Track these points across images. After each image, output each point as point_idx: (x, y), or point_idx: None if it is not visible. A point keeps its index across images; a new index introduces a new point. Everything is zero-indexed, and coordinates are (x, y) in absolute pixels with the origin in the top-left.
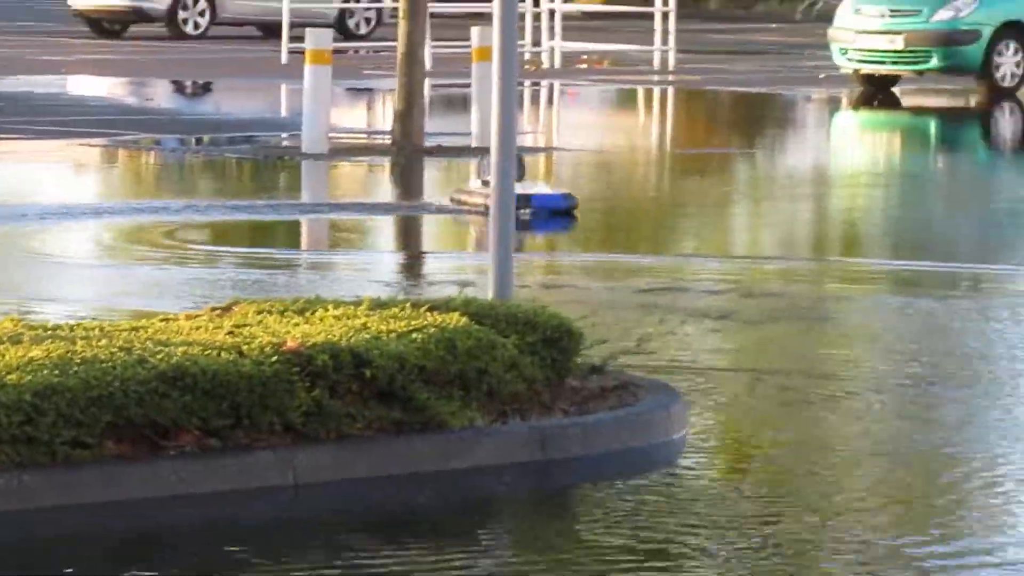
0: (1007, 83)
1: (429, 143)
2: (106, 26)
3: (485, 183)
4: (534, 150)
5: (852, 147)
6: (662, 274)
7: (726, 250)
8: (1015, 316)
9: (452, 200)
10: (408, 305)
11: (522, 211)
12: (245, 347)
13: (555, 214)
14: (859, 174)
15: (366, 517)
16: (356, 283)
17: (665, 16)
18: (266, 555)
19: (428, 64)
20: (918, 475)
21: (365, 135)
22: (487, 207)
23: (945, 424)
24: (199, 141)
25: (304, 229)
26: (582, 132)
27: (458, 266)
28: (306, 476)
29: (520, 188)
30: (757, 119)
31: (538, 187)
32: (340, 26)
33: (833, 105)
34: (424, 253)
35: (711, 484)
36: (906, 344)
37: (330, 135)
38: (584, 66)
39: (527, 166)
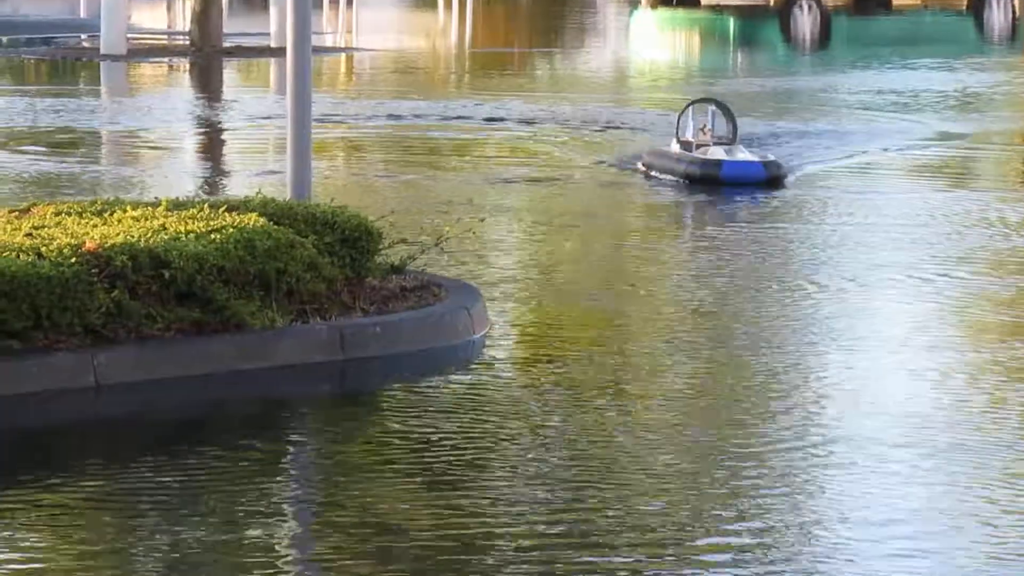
0: None
1: (227, 44)
2: None
3: (684, 145)
4: (334, 50)
5: (651, 45)
6: (463, 171)
7: (529, 150)
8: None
9: (643, 164)
10: (206, 206)
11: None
12: (44, 248)
13: (751, 185)
14: (658, 71)
15: (167, 417)
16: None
17: None
18: (69, 457)
19: None
20: (720, 372)
21: (164, 36)
22: (686, 175)
23: (745, 325)
24: None
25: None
26: (382, 33)
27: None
28: (107, 377)
29: (719, 153)
30: (556, 18)
31: (740, 152)
32: None
33: (632, 4)
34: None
35: (510, 382)
36: (715, 245)
37: (129, 36)
38: None
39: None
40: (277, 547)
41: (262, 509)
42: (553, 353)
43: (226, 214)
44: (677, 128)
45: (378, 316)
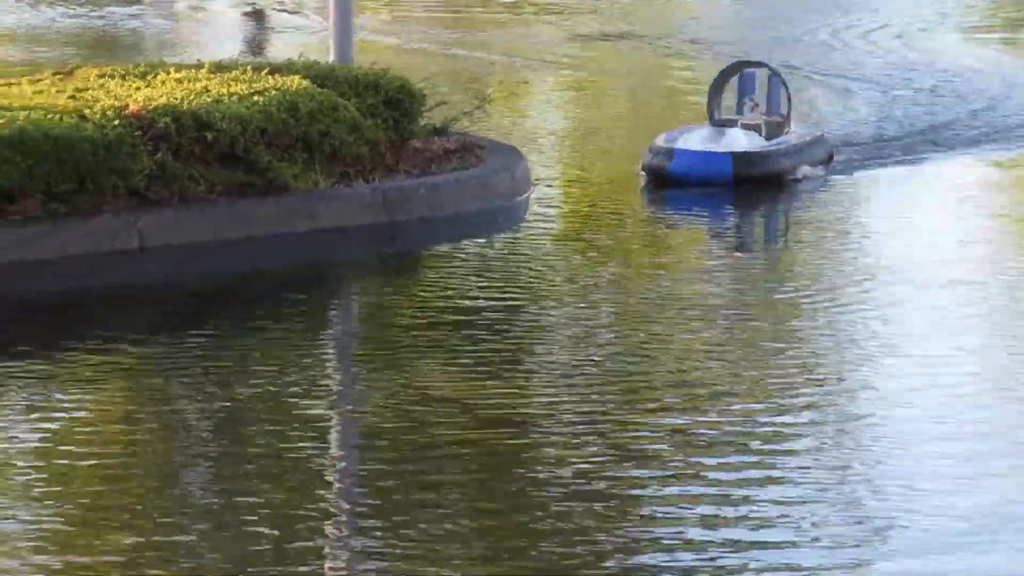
0: None
1: None
2: None
3: (722, 124)
4: None
5: None
6: (504, 35)
7: (572, 21)
8: None
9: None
10: (249, 68)
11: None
12: (87, 111)
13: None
14: None
15: (210, 279)
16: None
17: None
18: (112, 319)
19: None
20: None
21: None
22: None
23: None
24: None
25: None
26: None
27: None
28: (151, 239)
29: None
30: None
31: (732, 139)
32: None
33: None
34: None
35: (554, 243)
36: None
37: None
38: None
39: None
40: (318, 411)
41: (304, 372)
42: (597, 214)
43: (269, 76)
44: (709, 102)
45: (422, 178)
